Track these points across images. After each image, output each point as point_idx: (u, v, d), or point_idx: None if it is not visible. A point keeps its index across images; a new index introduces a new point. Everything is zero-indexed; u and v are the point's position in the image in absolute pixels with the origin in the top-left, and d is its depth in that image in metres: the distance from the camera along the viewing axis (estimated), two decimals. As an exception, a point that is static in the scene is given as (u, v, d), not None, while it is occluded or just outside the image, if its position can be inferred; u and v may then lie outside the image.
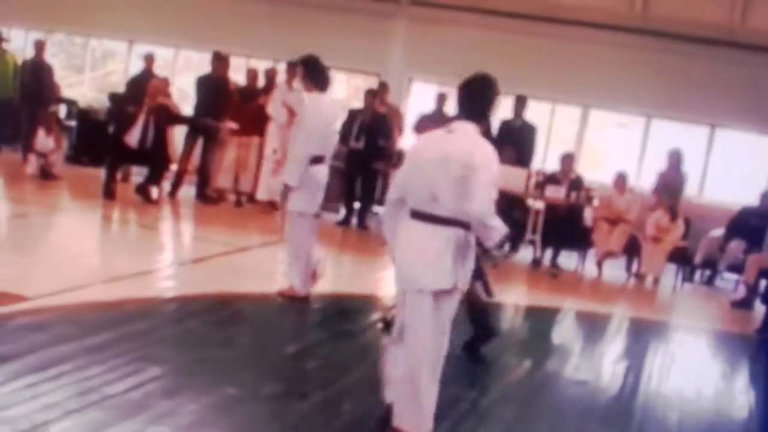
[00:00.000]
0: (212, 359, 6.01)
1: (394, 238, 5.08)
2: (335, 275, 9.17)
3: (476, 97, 5.18)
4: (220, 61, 13.87)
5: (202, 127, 13.48)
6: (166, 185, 13.42)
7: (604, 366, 7.68)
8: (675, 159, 13.32)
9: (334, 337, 7.39)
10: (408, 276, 4.94)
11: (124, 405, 4.92)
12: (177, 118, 13.39)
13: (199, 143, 13.70)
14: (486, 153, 4.94)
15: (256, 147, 13.89)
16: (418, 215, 4.93)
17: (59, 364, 5.52)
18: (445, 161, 4.84)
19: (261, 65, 15.45)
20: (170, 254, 10.15)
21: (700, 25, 14.42)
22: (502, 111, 13.89)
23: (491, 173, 4.90)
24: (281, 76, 13.95)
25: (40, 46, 15.21)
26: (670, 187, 13.05)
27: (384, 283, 9.52)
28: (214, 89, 13.69)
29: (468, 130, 5.02)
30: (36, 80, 14.77)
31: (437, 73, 15.91)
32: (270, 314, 7.89)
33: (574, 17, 15.08)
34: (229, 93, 13.77)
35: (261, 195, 13.57)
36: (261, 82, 14.28)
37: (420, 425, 4.91)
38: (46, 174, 13.42)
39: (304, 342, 7.10)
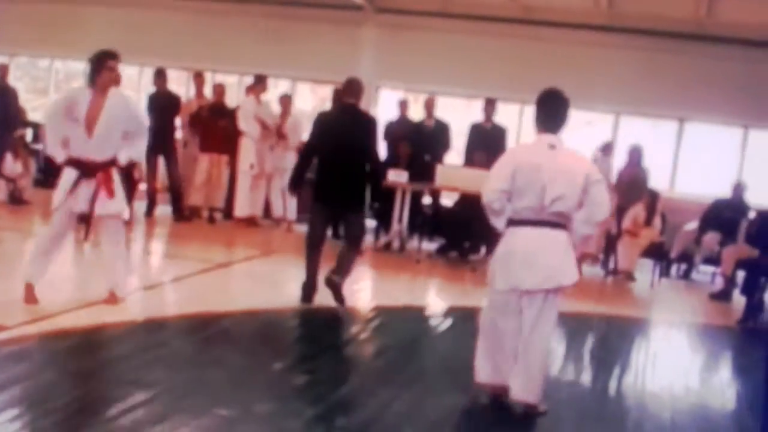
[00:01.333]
0: (200, 380, 5.92)
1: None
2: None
3: (559, 113, 5.90)
4: (161, 76, 13.83)
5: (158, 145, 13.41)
6: (141, 206, 13.33)
7: (591, 366, 7.65)
8: (635, 155, 13.36)
9: (319, 352, 7.31)
10: (509, 278, 5.73)
11: (114, 432, 4.83)
12: None
13: (160, 161, 13.62)
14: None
15: (226, 164, 13.82)
16: (527, 222, 5.73)
17: (44, 393, 5.41)
18: (570, 173, 5.71)
19: (228, 79, 15.39)
20: (148, 275, 10.02)
21: (666, 19, 14.52)
22: (473, 114, 13.96)
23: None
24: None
25: (3, 70, 15.02)
26: (629, 183, 13.09)
27: (362, 295, 9.46)
28: (163, 106, 13.63)
29: (563, 144, 5.86)
30: (1, 105, 14.57)
31: (405, 80, 15.95)
32: (254, 331, 7.80)
33: (540, 18, 15.16)
34: (178, 107, 13.73)
35: (240, 212, 13.49)
36: (231, 97, 14.19)
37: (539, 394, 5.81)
38: (15, 199, 13.29)
39: (290, 358, 7.03)
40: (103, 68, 7.45)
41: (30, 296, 7.40)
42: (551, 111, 5.91)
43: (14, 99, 14.95)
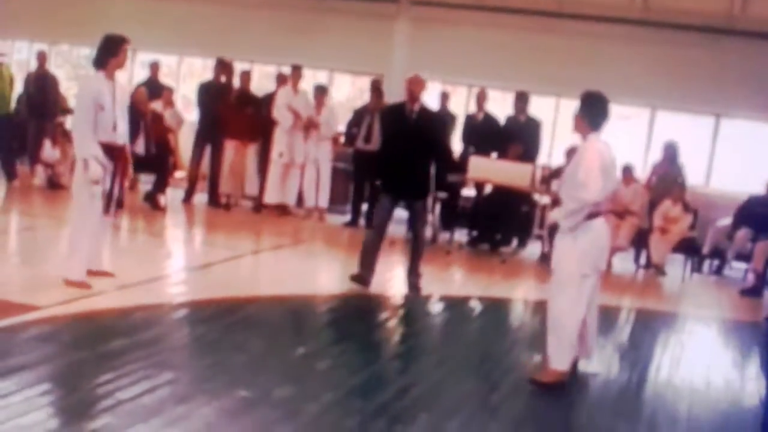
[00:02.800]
0: (224, 363, 6.05)
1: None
2: (343, 276, 9.21)
3: (601, 111, 6.40)
4: (223, 67, 13.92)
5: (208, 133, 13.57)
6: (178, 192, 13.54)
7: (615, 358, 7.68)
8: (669, 151, 13.34)
9: (343, 338, 7.46)
10: (594, 260, 6.35)
11: (137, 410, 4.96)
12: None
13: (207, 150, 13.78)
14: None
15: (254, 152, 13.95)
16: (601, 213, 6.32)
17: (72, 371, 5.61)
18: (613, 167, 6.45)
19: (265, 70, 15.51)
20: (179, 260, 10.20)
21: (701, 14, 14.46)
22: (508, 107, 13.98)
23: None
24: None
25: (42, 58, 15.26)
26: (664, 179, 13.07)
27: (391, 283, 9.56)
28: (216, 96, 13.76)
29: None
30: (40, 92, 14.82)
31: (440, 72, 15.95)
32: (279, 317, 7.95)
33: (575, 11, 15.13)
34: (230, 99, 13.83)
35: (269, 198, 13.60)
36: (257, 84, 14.24)
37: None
38: (53, 185, 13.54)
39: (314, 344, 7.14)
40: (119, 52, 7.62)
41: (82, 283, 7.60)
42: (605, 112, 6.42)
43: (54, 86, 15.19)
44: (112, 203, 7.87)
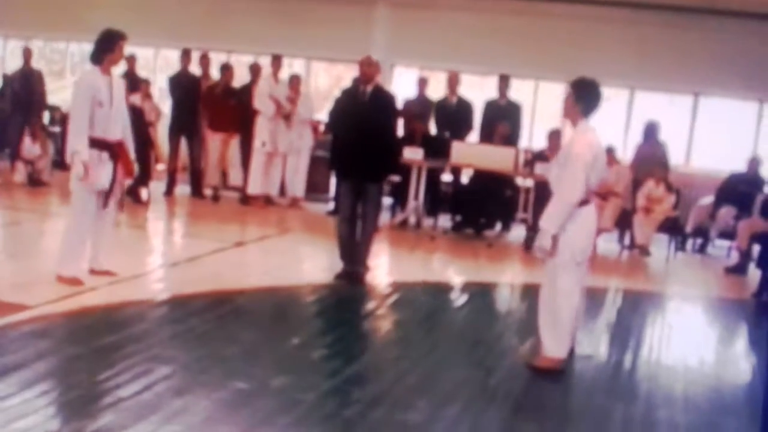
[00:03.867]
0: (218, 356, 6.03)
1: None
2: (330, 265, 9.18)
3: (595, 99, 6.35)
4: (188, 57, 13.94)
5: (182, 125, 13.57)
6: (160, 185, 13.49)
7: (606, 339, 7.71)
8: (651, 131, 13.40)
9: (335, 327, 7.47)
10: (585, 247, 6.34)
11: (136, 407, 4.93)
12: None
13: (183, 141, 13.76)
14: None
15: (237, 143, 13.92)
16: (587, 202, 6.29)
17: (68, 369, 5.57)
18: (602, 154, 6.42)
19: (243, 60, 15.45)
20: (165, 254, 10.16)
21: (680, -7, 14.47)
22: (487, 91, 13.98)
23: None
24: (266, 70, 13.89)
25: (28, 54, 15.14)
26: (647, 159, 13.11)
27: (378, 271, 9.54)
28: (187, 87, 13.75)
29: None
30: (27, 88, 14.72)
31: (420, 58, 15.96)
32: (270, 308, 7.94)
33: (554, -6, 15.12)
34: (207, 89, 13.79)
35: (253, 189, 13.57)
36: (242, 77, 14.22)
37: None
38: (34, 181, 13.46)
39: (306, 333, 7.14)
40: (115, 48, 7.56)
41: (74, 279, 7.56)
42: (597, 99, 6.37)
43: (40, 82, 15.09)
44: (112, 200, 7.81)
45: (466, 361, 6.58)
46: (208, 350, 6.17)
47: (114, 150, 7.63)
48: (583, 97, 6.32)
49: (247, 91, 13.75)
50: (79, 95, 7.50)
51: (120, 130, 7.71)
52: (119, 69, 15.21)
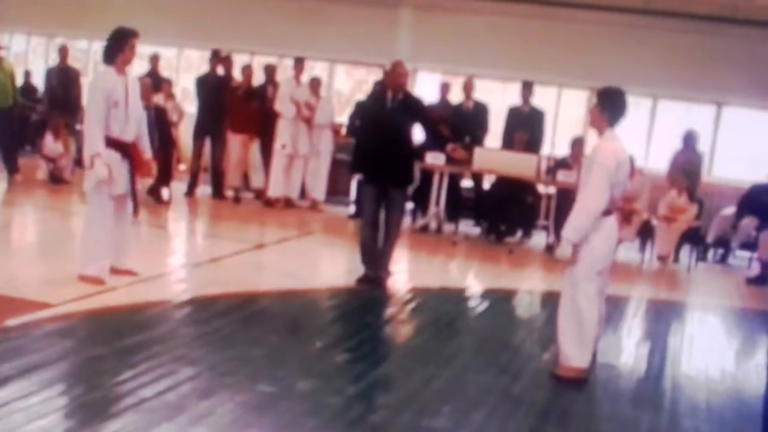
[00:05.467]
0: (243, 358, 6.02)
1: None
2: (350, 268, 9.16)
3: (621, 108, 6.32)
4: (219, 58, 13.91)
5: (207, 126, 13.55)
6: (181, 186, 13.50)
7: (629, 349, 7.67)
8: (689, 140, 13.37)
9: (358, 331, 7.42)
10: (606, 256, 6.33)
11: (161, 408, 4.92)
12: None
13: (207, 142, 13.75)
14: None
15: (258, 145, 13.92)
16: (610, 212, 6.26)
17: (91, 369, 5.56)
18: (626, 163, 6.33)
19: (266, 61, 15.45)
20: (186, 254, 10.17)
21: (703, 3, 14.40)
22: (510, 97, 13.94)
23: None
24: (287, 72, 13.89)
25: (64, 52, 15.21)
26: (686, 168, 13.06)
27: (399, 276, 9.52)
28: (213, 88, 13.73)
29: None
30: (64, 86, 14.78)
31: (443, 62, 15.92)
32: (293, 310, 7.91)
33: (579, 0, 15.05)
34: (228, 91, 13.76)
35: (273, 192, 13.57)
36: (259, 78, 14.21)
37: None
38: (56, 179, 13.49)
39: (330, 337, 7.13)
40: (125, 47, 7.51)
41: (96, 278, 7.54)
42: (624, 108, 6.34)
43: (76, 80, 15.17)
44: (128, 201, 7.80)
45: (490, 367, 6.54)
46: (232, 352, 6.15)
47: (128, 150, 7.61)
48: (609, 106, 6.30)
49: (261, 91, 13.75)
50: (94, 96, 7.45)
51: (135, 130, 7.69)
52: (142, 69, 15.44)
